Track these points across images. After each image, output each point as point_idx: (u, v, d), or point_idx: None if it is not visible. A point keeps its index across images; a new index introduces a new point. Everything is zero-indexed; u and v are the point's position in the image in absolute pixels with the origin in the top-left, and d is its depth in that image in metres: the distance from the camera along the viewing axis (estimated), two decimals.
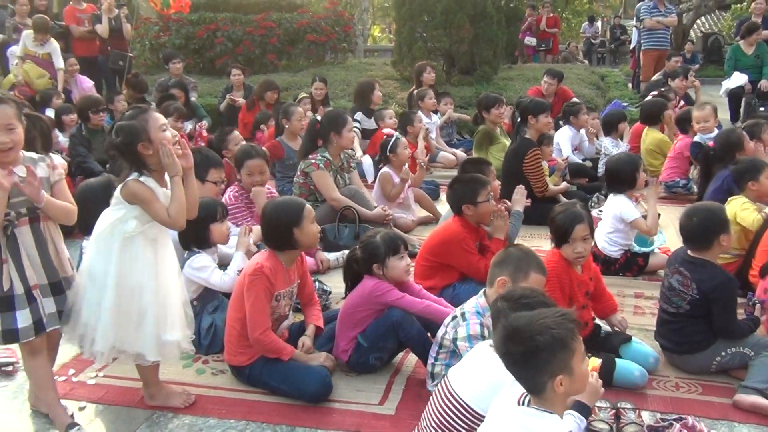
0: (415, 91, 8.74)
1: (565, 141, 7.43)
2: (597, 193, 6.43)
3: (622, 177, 4.85)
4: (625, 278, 4.86)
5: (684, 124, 6.90)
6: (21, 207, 2.82)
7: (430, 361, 3.24)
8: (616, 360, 3.40)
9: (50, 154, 3.05)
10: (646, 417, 3.12)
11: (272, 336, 3.32)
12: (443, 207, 6.46)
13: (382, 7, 27.64)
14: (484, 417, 2.42)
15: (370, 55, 17.98)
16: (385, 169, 5.92)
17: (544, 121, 6.25)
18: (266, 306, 3.29)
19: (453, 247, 4.14)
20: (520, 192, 4.68)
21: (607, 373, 3.21)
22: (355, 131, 6.30)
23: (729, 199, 4.62)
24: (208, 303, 3.85)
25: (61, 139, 6.86)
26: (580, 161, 7.57)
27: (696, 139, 6.58)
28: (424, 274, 4.18)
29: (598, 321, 3.80)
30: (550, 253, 3.61)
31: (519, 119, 6.44)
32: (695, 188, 6.58)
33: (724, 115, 9.68)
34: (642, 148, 7.50)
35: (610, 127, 7.66)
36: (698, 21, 19.71)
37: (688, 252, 3.55)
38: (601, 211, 5.36)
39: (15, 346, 3.79)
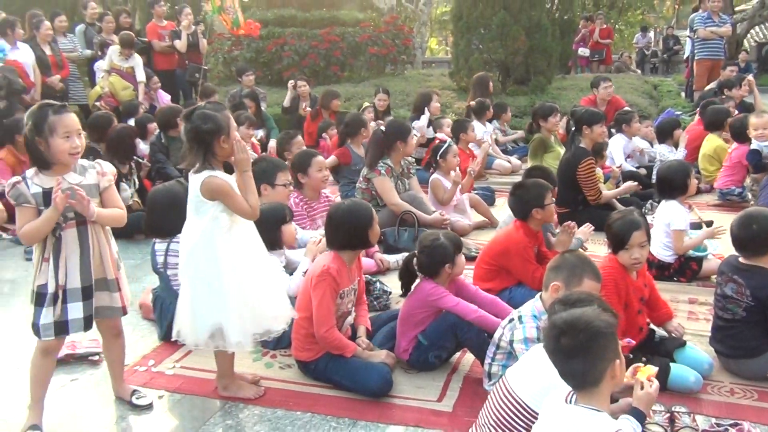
0: (472, 103, 8.69)
1: (617, 149, 7.26)
2: (650, 200, 6.26)
3: (673, 183, 4.73)
4: (679, 284, 4.71)
5: (739, 131, 6.66)
6: (68, 211, 2.83)
7: (487, 361, 3.21)
8: (671, 365, 3.30)
9: (99, 161, 3.09)
10: (701, 421, 3.02)
11: (337, 334, 3.34)
12: (498, 212, 6.42)
13: (440, 21, 27.57)
14: None
15: (427, 66, 17.93)
16: (435, 174, 5.91)
17: (599, 131, 6.12)
18: (332, 305, 3.31)
19: (514, 255, 4.10)
20: (588, 228, 4.54)
21: (661, 377, 3.11)
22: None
23: None
24: None
25: (142, 146, 7.05)
26: (634, 169, 7.39)
27: (753, 146, 6.35)
28: (483, 277, 4.15)
29: (652, 326, 3.70)
30: (607, 259, 3.53)
31: (573, 128, 6.33)
32: (750, 196, 6.35)
33: None
34: (700, 154, 7.27)
35: (665, 134, 7.46)
36: (752, 30, 19.01)
37: (740, 260, 3.43)
38: (653, 217, 5.22)
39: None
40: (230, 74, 12.26)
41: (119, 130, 6.19)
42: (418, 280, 3.59)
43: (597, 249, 5.16)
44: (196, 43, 10.11)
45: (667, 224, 4.67)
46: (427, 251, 3.48)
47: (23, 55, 8.34)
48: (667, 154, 7.10)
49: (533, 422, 2.44)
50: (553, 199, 4.23)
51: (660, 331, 3.70)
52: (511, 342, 3.01)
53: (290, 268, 4.06)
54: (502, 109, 9.02)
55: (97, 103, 8.77)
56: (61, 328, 2.92)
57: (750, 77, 9.47)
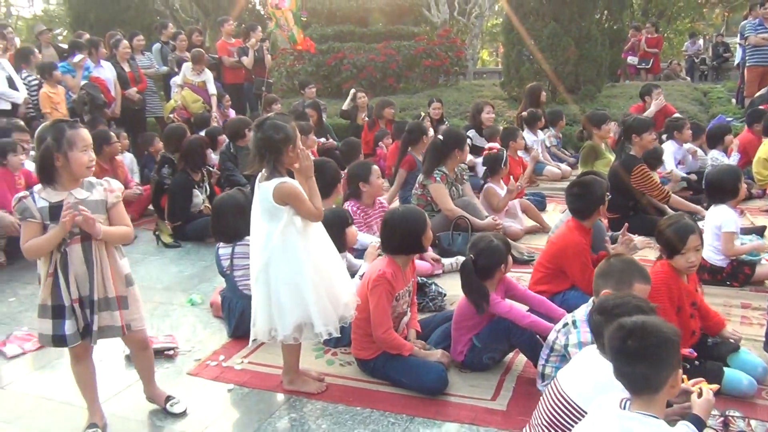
0: (524, 112, 8.58)
1: (668, 155, 7.04)
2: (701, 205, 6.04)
3: (723, 187, 4.55)
4: (732, 288, 4.52)
5: None
6: (74, 227, 2.75)
7: (541, 362, 3.14)
8: (724, 369, 3.17)
9: (107, 178, 3.00)
10: (756, 426, 2.89)
11: (394, 334, 3.33)
12: (549, 217, 6.31)
13: (490, 33, 27.33)
14: None
15: (479, 77, 17.79)
16: (490, 183, 5.85)
17: (648, 139, 5.95)
18: (388, 308, 3.31)
19: (571, 255, 3.93)
20: (643, 240, 4.40)
21: (715, 381, 2.99)
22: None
23: None
24: None
25: (213, 156, 7.21)
26: (685, 175, 7.15)
27: None
28: (539, 280, 4.05)
29: None
30: (659, 264, 3.41)
31: (622, 136, 6.17)
32: None
33: None
34: (755, 158, 6.98)
35: (717, 140, 7.20)
36: None
37: None
38: (702, 223, 5.04)
39: (177, 333, 4.06)
40: (293, 87, 12.43)
41: (192, 141, 6.34)
42: None
43: (647, 253, 5.02)
44: (261, 58, 10.28)
45: (718, 227, 4.50)
46: (484, 253, 3.44)
47: (105, 73, 8.65)
48: (720, 158, 6.85)
49: None
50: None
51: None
52: (565, 346, 2.94)
53: (350, 271, 4.07)
54: (557, 117, 8.86)
55: (171, 115, 9.00)
56: (86, 332, 2.87)
57: None
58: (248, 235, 3.95)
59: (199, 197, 6.19)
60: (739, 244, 4.58)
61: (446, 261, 4.99)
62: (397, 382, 3.34)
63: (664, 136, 7.45)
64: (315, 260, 3.06)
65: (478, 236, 3.65)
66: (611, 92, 11.79)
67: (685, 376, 2.36)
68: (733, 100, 12.26)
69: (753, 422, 2.90)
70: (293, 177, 3.08)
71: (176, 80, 9.26)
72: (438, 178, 5.44)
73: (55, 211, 2.74)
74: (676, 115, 8.34)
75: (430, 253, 4.95)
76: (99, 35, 9.77)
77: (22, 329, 4.13)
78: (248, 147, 7.03)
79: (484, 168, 6.12)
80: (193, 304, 4.58)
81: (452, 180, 5.60)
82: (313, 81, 10.71)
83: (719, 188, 4.58)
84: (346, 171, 5.52)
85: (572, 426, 2.43)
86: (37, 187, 2.80)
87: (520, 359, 3.56)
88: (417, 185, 5.63)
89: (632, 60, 15.27)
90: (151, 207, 6.78)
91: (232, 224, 4.02)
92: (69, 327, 2.82)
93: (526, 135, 7.83)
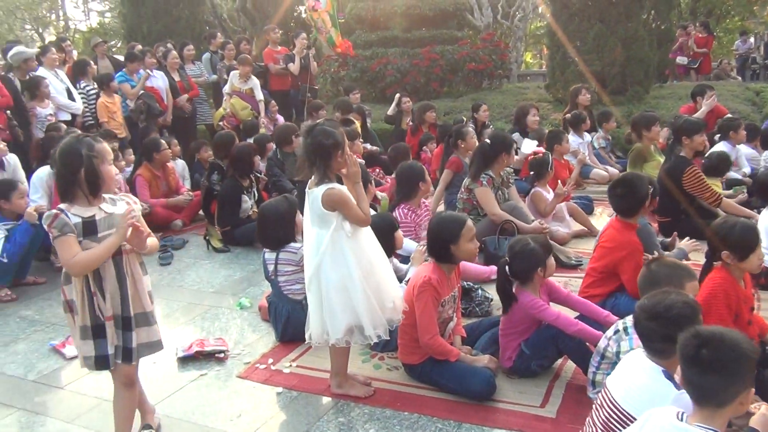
0: (568, 114, 8.43)
1: None
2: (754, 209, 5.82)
3: None
4: None
5: None
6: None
7: (591, 369, 3.06)
8: None
9: (127, 193, 2.93)
10: None
11: (440, 340, 3.29)
12: (596, 221, 6.17)
13: (534, 35, 27.01)
14: None
15: (523, 79, 17.57)
16: (537, 188, 5.75)
17: (699, 140, 5.75)
18: (434, 314, 3.27)
19: (626, 256, 3.79)
20: (692, 242, 4.24)
21: None
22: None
23: None
24: None
25: (261, 162, 7.28)
26: (739, 176, 6.90)
27: None
28: (590, 285, 3.95)
29: None
30: (715, 271, 3.26)
31: (673, 138, 5.99)
32: None
33: None
34: None
35: None
36: None
37: None
38: None
39: (227, 336, 4.11)
40: (338, 93, 12.47)
41: (240, 148, 6.43)
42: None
43: (699, 257, 4.85)
44: (307, 65, 10.36)
45: None
46: (519, 256, 3.38)
47: (158, 82, 8.87)
48: None
49: None
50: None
51: None
52: (617, 353, 2.86)
53: (396, 275, 4.05)
54: (605, 118, 8.66)
55: (220, 123, 9.15)
56: (125, 354, 2.78)
57: None
58: (292, 242, 4.00)
59: (248, 203, 6.26)
60: None
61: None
62: (445, 387, 3.30)
63: (717, 137, 7.21)
64: (364, 264, 3.06)
65: (516, 239, 3.59)
66: (659, 93, 11.48)
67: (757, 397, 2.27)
68: None
69: None
70: (341, 183, 3.08)
71: (226, 88, 9.41)
72: (484, 182, 5.38)
73: (89, 226, 2.65)
74: (729, 115, 8.06)
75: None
76: (151, 46, 10.02)
77: None
78: (295, 153, 7.20)
79: (531, 172, 6.02)
80: (242, 307, 4.62)
81: (498, 184, 5.53)
82: (357, 87, 10.74)
83: None
84: (394, 175, 5.49)
85: None
86: (63, 204, 2.67)
87: (570, 365, 3.48)
88: (463, 189, 5.58)
89: (681, 60, 14.86)
90: (201, 212, 6.90)
91: (274, 232, 4.07)
92: (111, 347, 2.73)
93: (572, 138, 7.68)
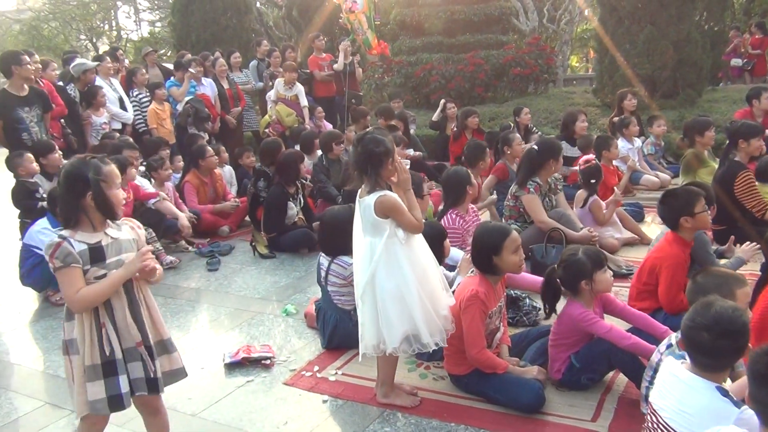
0: (616, 119, 8.25)
1: None
2: None
3: None
4: None
5: None
6: (114, 268, 2.51)
7: (644, 384, 2.96)
8: None
9: (129, 218, 2.77)
10: None
11: (487, 353, 3.24)
12: (647, 229, 6.01)
13: (580, 38, 26.59)
14: None
15: (569, 84, 17.30)
16: (595, 197, 5.64)
17: (756, 145, 5.53)
18: (481, 327, 3.22)
19: (664, 269, 3.70)
20: (752, 246, 4.10)
21: None
22: None
23: None
24: None
25: (308, 161, 7.29)
26: None
27: None
28: (638, 297, 3.85)
29: None
30: None
31: (728, 142, 5.79)
32: None
33: None
34: None
35: None
36: None
37: None
38: None
39: (272, 342, 4.13)
40: (381, 99, 12.50)
41: (287, 155, 6.48)
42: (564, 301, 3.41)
43: (755, 267, 4.68)
44: (353, 72, 10.42)
45: None
46: (564, 265, 3.32)
47: (208, 90, 9.05)
48: None
49: None
50: (709, 212, 3.84)
51: None
52: None
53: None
54: (652, 123, 8.43)
55: (266, 130, 9.27)
56: (151, 385, 2.62)
57: None
58: (348, 253, 3.97)
59: (294, 209, 6.31)
60: None
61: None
62: (492, 398, 3.25)
63: None
64: (419, 271, 3.04)
65: (570, 248, 3.51)
66: (712, 97, 11.15)
67: None
68: None
69: None
70: (392, 190, 3.07)
71: (271, 95, 9.52)
72: (532, 189, 5.29)
73: (96, 253, 2.48)
74: None
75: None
76: (200, 54, 10.21)
77: None
78: (340, 160, 7.22)
79: (583, 180, 5.88)
80: (288, 314, 4.65)
81: (546, 191, 5.44)
82: (402, 93, 10.72)
83: None
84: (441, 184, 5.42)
85: None
86: (66, 231, 2.50)
87: (621, 378, 3.38)
88: (509, 196, 5.50)
89: (736, 62, 14.39)
90: (247, 218, 6.98)
91: (333, 239, 4.08)
92: (124, 384, 2.51)
93: (621, 143, 7.50)
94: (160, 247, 5.95)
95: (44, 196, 5.58)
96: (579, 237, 5.13)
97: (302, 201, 6.47)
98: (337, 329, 3.94)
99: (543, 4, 17.30)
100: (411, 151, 8.20)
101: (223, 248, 6.37)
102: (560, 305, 3.42)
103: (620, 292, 4.48)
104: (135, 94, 8.72)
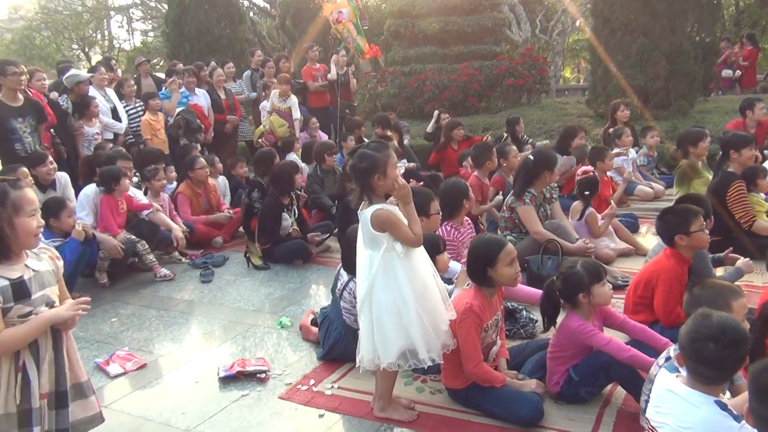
0: (610, 129, 8.28)
1: None
2: None
3: None
4: None
5: None
6: (40, 304, 2.33)
7: (643, 398, 2.94)
8: None
9: (47, 246, 2.58)
10: None
11: (485, 367, 3.22)
12: (642, 240, 6.02)
13: (572, 49, 26.75)
14: None
15: (561, 94, 17.40)
16: (591, 210, 5.64)
17: (748, 155, 5.58)
18: (477, 341, 3.20)
19: (660, 282, 3.72)
20: (748, 262, 4.12)
21: None
22: None
23: None
24: None
25: (305, 166, 7.28)
26: None
27: None
28: (633, 309, 3.84)
29: None
30: None
31: (721, 153, 5.82)
32: None
33: None
34: None
35: None
36: None
37: None
38: None
39: (267, 355, 4.08)
40: (375, 109, 12.51)
41: (282, 166, 6.45)
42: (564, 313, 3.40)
43: (753, 278, 4.69)
44: (347, 82, 10.43)
45: None
46: (561, 278, 3.32)
47: (201, 100, 9.03)
48: None
49: None
50: (704, 225, 3.83)
51: None
52: None
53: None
54: (646, 134, 8.46)
55: (260, 140, 9.25)
56: None
57: None
58: None
59: (288, 220, 6.28)
60: None
61: None
62: (490, 412, 3.22)
63: (767, 151, 6.99)
64: (418, 286, 3.01)
65: (569, 261, 3.51)
66: (704, 107, 11.22)
67: None
68: None
69: None
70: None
71: (265, 105, 9.51)
72: (527, 200, 5.29)
73: (19, 288, 2.26)
74: None
75: None
76: (190, 64, 10.20)
77: (123, 349, 4.27)
78: (334, 170, 7.20)
79: (579, 191, 5.88)
80: (283, 326, 4.61)
81: (541, 201, 5.44)
82: (395, 103, 10.73)
83: None
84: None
85: None
86: None
87: (620, 392, 3.36)
88: (505, 207, 5.50)
89: (727, 73, 14.50)
90: (241, 229, 6.94)
91: (352, 257, 4.00)
92: None
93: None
94: (154, 259, 5.90)
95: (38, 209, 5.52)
96: (575, 248, 5.13)
97: (297, 212, 6.44)
98: (338, 343, 3.89)
99: (535, 14, 17.41)
100: (405, 162, 8.20)
101: (216, 259, 6.32)
102: (559, 318, 3.41)
103: (616, 304, 4.46)
104: (123, 106, 8.68)
